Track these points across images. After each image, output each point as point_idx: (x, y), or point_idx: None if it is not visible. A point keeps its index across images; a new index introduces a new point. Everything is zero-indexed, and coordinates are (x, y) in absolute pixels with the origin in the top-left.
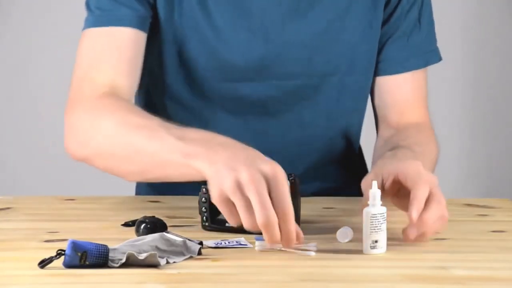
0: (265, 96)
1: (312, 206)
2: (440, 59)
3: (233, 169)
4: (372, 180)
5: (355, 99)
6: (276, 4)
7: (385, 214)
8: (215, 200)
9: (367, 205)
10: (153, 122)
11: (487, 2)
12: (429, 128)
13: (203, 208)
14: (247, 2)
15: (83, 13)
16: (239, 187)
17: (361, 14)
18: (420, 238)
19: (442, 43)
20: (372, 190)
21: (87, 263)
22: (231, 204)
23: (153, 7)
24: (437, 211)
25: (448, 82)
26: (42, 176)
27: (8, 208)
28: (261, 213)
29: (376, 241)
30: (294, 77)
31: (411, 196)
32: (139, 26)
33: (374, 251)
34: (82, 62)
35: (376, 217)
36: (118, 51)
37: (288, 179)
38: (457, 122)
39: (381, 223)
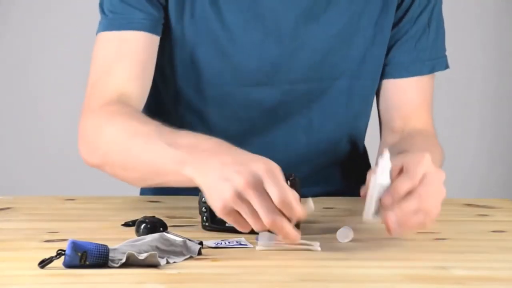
0: (276, 100)
1: None
2: (447, 67)
3: (227, 179)
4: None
5: (362, 102)
6: (289, 6)
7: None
8: (220, 214)
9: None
10: (149, 128)
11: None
12: (433, 136)
13: (203, 208)
14: (260, 4)
15: (83, 13)
16: (238, 195)
17: (374, 18)
18: (400, 231)
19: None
20: (384, 162)
21: (87, 263)
22: (236, 214)
23: (165, 9)
24: (415, 203)
25: (449, 82)
26: (42, 176)
27: (8, 208)
28: (265, 215)
29: (378, 209)
30: (306, 80)
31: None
32: (151, 29)
33: (375, 219)
34: (95, 67)
35: (383, 187)
36: (130, 56)
37: (289, 179)
38: (458, 122)
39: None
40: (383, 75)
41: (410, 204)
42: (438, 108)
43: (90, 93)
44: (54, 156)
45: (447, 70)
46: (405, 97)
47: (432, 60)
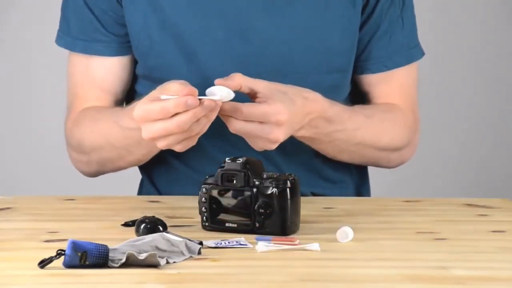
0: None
1: (312, 206)
2: (423, 54)
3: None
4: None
5: (335, 96)
6: (250, 1)
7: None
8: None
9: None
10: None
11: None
12: (403, 110)
13: (203, 208)
14: (220, 1)
15: None
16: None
17: (340, 11)
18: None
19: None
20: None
21: (87, 263)
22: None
23: (125, 25)
24: (253, 128)
25: (449, 81)
26: (42, 176)
27: (8, 208)
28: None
29: None
30: (275, 75)
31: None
32: (115, 53)
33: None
34: (68, 88)
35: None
36: (94, 82)
37: (288, 179)
38: (458, 122)
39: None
40: (361, 71)
41: (251, 127)
42: (439, 108)
43: (67, 114)
44: (54, 156)
45: (451, 75)
46: (386, 90)
47: (409, 50)
